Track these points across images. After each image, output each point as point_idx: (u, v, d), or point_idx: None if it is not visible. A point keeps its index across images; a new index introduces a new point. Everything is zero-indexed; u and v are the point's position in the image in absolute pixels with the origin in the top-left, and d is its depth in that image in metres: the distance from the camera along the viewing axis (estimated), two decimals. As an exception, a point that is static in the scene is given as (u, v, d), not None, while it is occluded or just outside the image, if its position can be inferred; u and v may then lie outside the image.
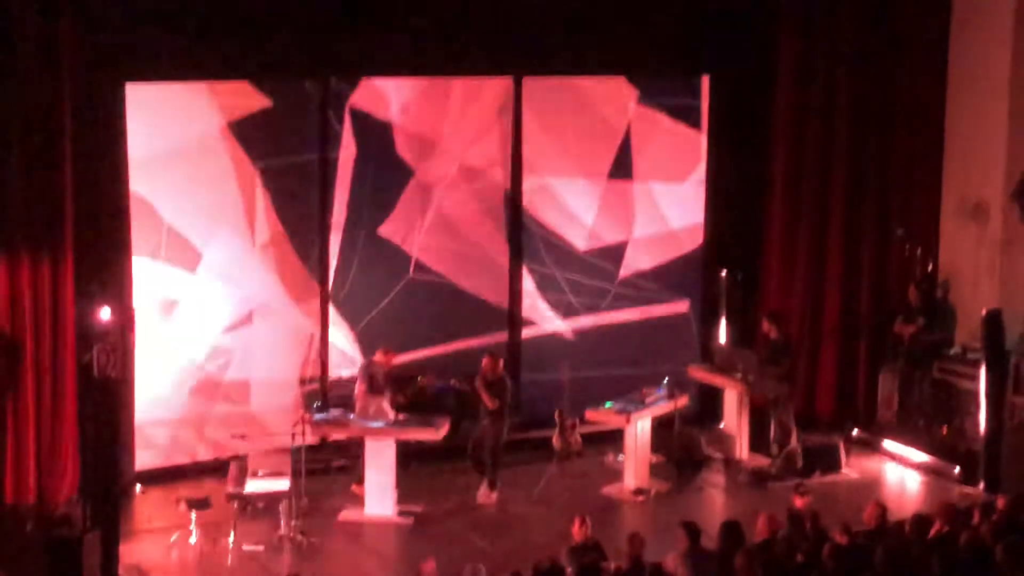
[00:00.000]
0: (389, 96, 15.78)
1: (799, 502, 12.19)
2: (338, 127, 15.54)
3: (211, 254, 15.21)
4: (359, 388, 14.84)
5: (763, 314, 16.25)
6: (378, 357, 14.91)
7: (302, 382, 15.67)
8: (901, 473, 15.84)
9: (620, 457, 15.36)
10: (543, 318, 16.73)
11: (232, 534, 13.28)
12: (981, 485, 14.98)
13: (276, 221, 15.44)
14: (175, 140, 14.88)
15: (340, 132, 15.56)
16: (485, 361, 14.70)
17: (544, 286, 16.66)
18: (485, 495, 14.68)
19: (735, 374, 15.82)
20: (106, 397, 14.05)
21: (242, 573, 13.03)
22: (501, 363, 14.78)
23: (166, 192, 14.88)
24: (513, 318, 16.58)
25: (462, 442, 14.98)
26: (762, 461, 15.72)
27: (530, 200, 16.48)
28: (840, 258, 16.93)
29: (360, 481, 14.61)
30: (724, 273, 16.77)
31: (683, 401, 15.59)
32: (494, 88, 16.21)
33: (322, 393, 15.57)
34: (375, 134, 15.74)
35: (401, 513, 14.25)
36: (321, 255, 15.69)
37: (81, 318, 13.92)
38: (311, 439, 14.31)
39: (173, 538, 13.44)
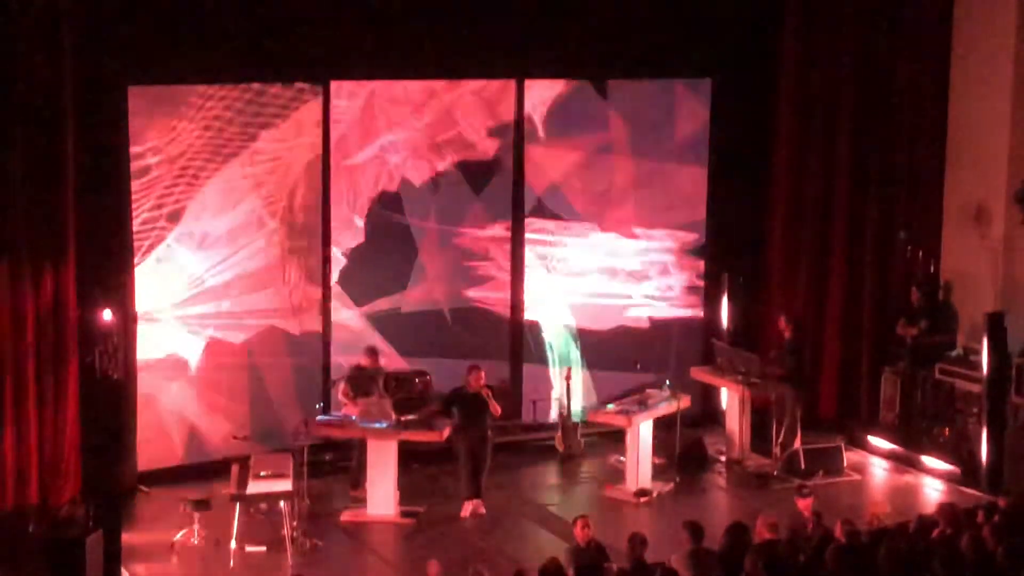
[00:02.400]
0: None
1: (802, 503, 12.19)
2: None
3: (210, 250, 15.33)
4: (344, 392, 14.81)
5: (782, 313, 16.23)
6: (364, 361, 14.90)
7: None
8: (903, 475, 15.84)
9: (622, 458, 15.36)
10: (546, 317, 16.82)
11: (234, 535, 13.29)
12: (983, 486, 14.98)
13: (276, 218, 15.53)
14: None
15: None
16: (475, 374, 14.48)
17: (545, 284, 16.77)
18: (479, 505, 14.49)
19: (737, 375, 15.82)
20: (108, 398, 14.13)
21: (244, 574, 13.04)
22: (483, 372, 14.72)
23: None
24: (515, 318, 16.63)
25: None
26: (764, 462, 15.73)
27: (531, 201, 16.56)
28: (843, 260, 16.94)
29: (355, 486, 14.62)
30: (726, 275, 16.78)
31: (685, 402, 15.60)
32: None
33: (324, 394, 15.55)
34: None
35: (403, 514, 14.26)
36: (323, 255, 15.73)
37: (83, 319, 13.96)
38: (313, 440, 14.34)
39: (176, 539, 13.45)
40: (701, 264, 17.13)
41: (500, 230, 16.45)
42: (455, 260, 16.37)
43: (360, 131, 15.79)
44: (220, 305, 15.34)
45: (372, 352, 14.98)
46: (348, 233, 15.85)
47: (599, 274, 16.90)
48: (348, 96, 15.65)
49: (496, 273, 16.54)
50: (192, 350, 15.26)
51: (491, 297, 16.57)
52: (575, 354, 16.82)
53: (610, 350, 16.87)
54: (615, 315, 16.98)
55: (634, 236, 16.94)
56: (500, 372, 16.38)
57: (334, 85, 15.50)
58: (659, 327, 17.06)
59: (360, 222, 15.85)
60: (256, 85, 15.09)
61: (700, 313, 17.16)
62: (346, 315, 15.93)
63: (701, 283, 17.15)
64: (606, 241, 16.86)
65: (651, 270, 17.02)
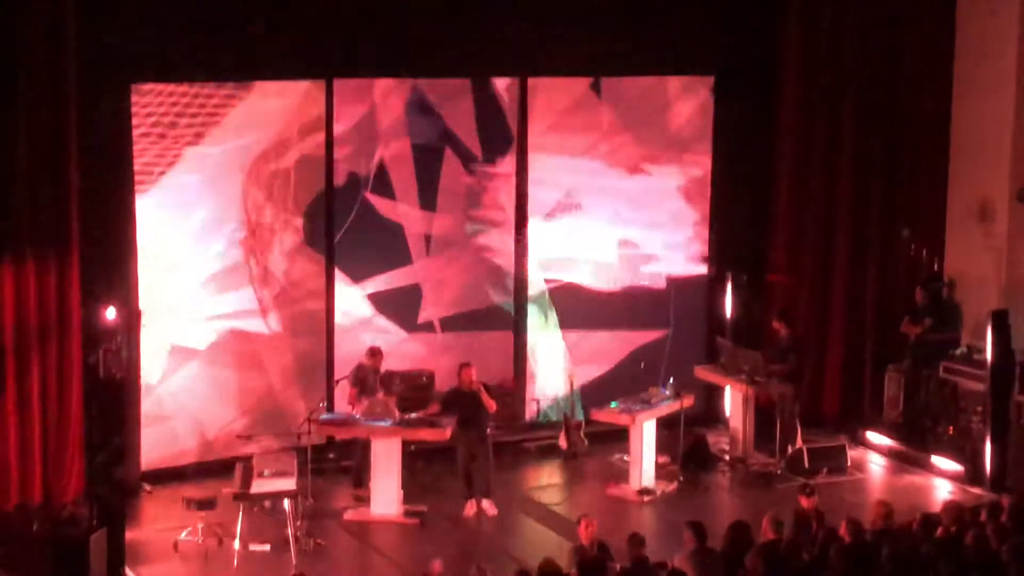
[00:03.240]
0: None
1: (805, 502, 12.19)
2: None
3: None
4: (351, 392, 14.81)
5: (772, 313, 16.26)
6: (366, 360, 14.89)
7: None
8: (907, 473, 15.83)
9: (625, 458, 15.35)
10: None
11: (238, 534, 13.29)
12: (987, 485, 14.98)
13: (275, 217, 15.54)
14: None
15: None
16: (467, 371, 14.39)
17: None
18: (490, 505, 14.44)
19: (740, 374, 15.81)
20: (112, 397, 14.14)
21: (248, 573, 13.04)
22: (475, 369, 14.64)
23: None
24: (518, 318, 16.65)
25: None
26: (767, 461, 15.72)
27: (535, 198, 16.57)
28: (846, 258, 16.94)
29: (358, 485, 14.62)
30: (729, 273, 16.77)
31: (688, 401, 15.59)
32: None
33: (328, 392, 15.54)
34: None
35: (406, 513, 14.25)
36: (327, 260, 15.74)
37: (87, 319, 13.98)
38: (317, 439, 14.33)
39: (181, 536, 13.42)
40: (704, 255, 17.18)
41: (498, 212, 16.49)
42: (450, 235, 16.36)
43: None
44: (221, 303, 15.35)
45: (374, 352, 14.96)
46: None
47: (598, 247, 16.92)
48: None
49: (495, 254, 16.57)
50: (195, 349, 15.26)
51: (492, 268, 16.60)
52: (552, 319, 16.80)
53: (607, 310, 16.89)
54: (620, 276, 16.98)
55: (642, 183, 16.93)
56: (503, 343, 16.51)
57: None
58: (663, 291, 17.06)
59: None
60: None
61: (704, 271, 17.18)
62: (348, 300, 15.92)
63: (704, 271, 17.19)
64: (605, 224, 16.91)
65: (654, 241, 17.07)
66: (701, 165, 17.01)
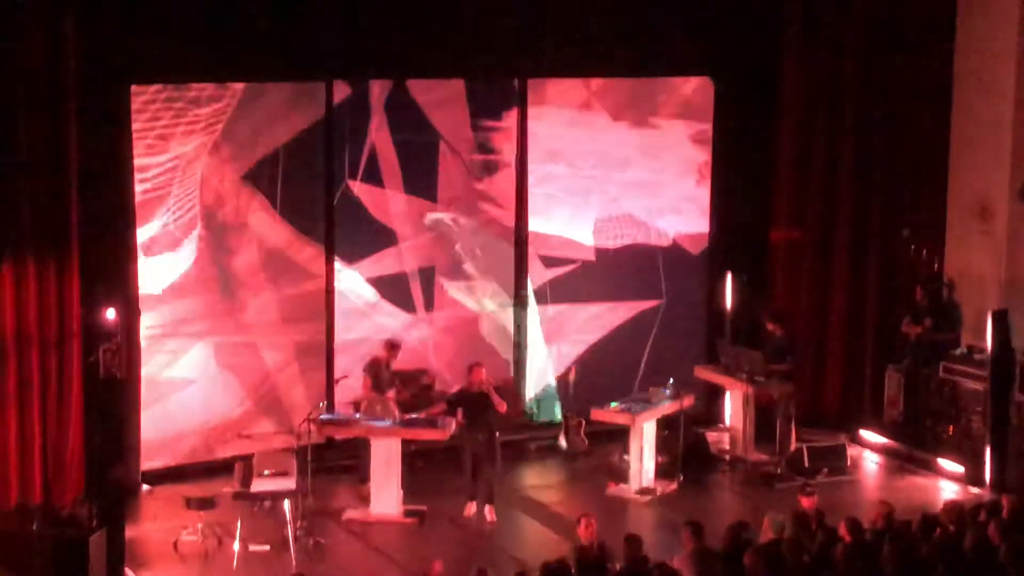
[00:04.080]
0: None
1: (805, 502, 12.19)
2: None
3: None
4: (365, 384, 14.82)
5: (766, 315, 16.26)
6: (382, 353, 14.89)
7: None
8: (907, 473, 15.83)
9: (626, 457, 15.35)
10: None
11: (238, 534, 13.29)
12: (987, 485, 14.98)
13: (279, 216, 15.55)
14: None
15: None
16: (476, 372, 14.31)
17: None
18: (491, 511, 14.34)
19: (741, 374, 15.82)
20: (112, 397, 14.14)
21: (248, 573, 13.04)
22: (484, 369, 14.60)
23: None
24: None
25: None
26: (767, 461, 15.72)
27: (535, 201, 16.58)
28: (846, 258, 16.94)
29: (364, 481, 14.62)
30: (730, 273, 16.78)
31: (688, 401, 15.59)
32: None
33: (328, 392, 15.55)
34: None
35: (406, 512, 14.25)
36: (327, 261, 15.73)
37: (87, 319, 13.97)
38: (317, 438, 14.34)
39: (181, 536, 13.44)
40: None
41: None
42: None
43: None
44: (222, 301, 15.36)
45: (392, 346, 14.94)
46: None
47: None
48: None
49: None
50: (195, 347, 15.27)
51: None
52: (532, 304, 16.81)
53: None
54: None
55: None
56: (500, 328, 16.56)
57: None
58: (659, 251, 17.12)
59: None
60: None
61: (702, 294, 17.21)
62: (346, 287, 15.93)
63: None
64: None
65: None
66: (701, 165, 17.00)
